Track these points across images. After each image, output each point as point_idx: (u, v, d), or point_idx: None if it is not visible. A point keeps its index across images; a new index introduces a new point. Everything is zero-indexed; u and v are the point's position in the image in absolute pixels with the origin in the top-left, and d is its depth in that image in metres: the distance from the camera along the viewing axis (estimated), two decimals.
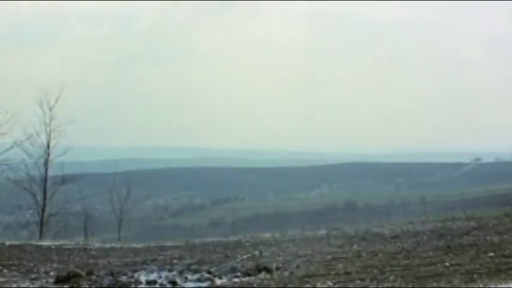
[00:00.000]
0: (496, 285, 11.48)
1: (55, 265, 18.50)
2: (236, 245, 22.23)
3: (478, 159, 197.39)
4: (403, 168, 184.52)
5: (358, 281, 12.96)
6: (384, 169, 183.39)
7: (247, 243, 22.56)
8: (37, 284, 15.32)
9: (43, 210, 34.65)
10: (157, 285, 14.74)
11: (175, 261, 18.49)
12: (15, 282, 15.51)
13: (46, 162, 34.91)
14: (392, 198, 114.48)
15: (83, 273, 15.75)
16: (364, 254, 17.29)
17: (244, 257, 18.40)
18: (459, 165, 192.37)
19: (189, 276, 15.45)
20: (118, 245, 25.26)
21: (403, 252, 17.03)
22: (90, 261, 19.44)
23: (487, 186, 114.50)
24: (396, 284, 12.31)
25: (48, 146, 34.93)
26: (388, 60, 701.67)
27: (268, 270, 15.56)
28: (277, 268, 15.86)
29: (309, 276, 14.01)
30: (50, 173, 35.38)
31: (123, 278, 15.40)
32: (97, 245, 25.30)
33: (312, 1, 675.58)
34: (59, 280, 15.29)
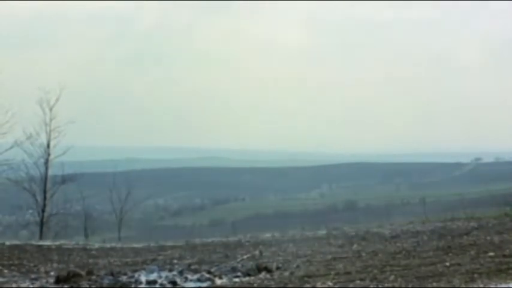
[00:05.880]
0: (497, 285, 11.48)
1: (55, 265, 18.50)
2: (236, 245, 22.22)
3: (478, 159, 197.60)
4: (403, 168, 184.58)
5: (358, 281, 12.95)
6: (384, 169, 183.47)
7: (248, 243, 22.55)
8: (37, 284, 15.32)
9: (43, 210, 34.64)
10: (157, 285, 14.74)
11: (175, 261, 18.49)
12: (15, 282, 15.52)
13: (46, 162, 34.90)
14: (393, 198, 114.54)
15: (83, 273, 15.75)
16: (364, 254, 17.29)
17: (245, 257, 18.39)
18: (459, 165, 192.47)
19: (189, 276, 15.45)
20: (118, 245, 25.27)
21: (403, 252, 17.03)
22: (90, 261, 19.45)
23: (487, 186, 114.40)
24: (396, 284, 12.30)
25: (48, 146, 34.91)
26: (388, 61, 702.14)
27: (268, 270, 15.55)
28: (278, 268, 15.85)
29: (309, 276, 14.01)
30: (50, 172, 35.36)
31: (123, 278, 15.40)
32: (97, 245, 25.31)
33: (311, 1, 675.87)
34: (59, 280, 15.30)
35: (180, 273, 15.92)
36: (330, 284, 12.91)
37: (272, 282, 13.75)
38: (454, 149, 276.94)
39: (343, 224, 31.12)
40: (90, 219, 41.04)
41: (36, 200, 34.85)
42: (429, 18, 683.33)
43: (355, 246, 19.47)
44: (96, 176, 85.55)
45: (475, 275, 12.48)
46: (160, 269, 16.58)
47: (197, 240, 25.46)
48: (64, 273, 15.73)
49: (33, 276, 16.39)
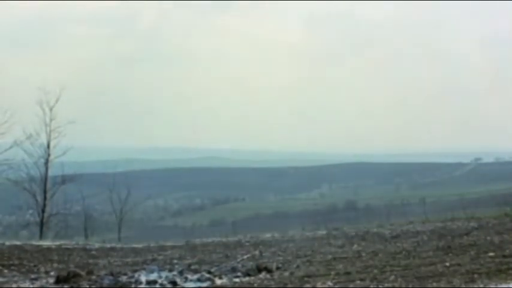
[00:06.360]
0: (496, 285, 11.47)
1: (55, 265, 18.51)
2: (236, 245, 22.24)
3: (478, 159, 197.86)
4: (403, 168, 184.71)
5: (358, 281, 12.95)
6: (384, 169, 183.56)
7: (248, 243, 22.57)
8: (37, 284, 15.31)
9: (43, 210, 34.66)
10: (157, 285, 14.73)
11: (175, 261, 18.49)
12: (16, 282, 15.51)
13: (46, 162, 34.92)
14: (392, 198, 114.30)
15: (83, 273, 15.75)
16: (364, 254, 17.29)
17: (245, 257, 18.40)
18: (459, 165, 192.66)
19: (189, 276, 15.45)
20: (118, 245, 25.28)
21: (403, 252, 17.03)
22: (91, 261, 19.45)
23: (487, 186, 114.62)
24: (396, 284, 12.29)
25: (48, 146, 34.94)
26: (388, 61, 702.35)
27: (268, 270, 15.55)
28: (278, 268, 15.85)
29: (309, 276, 14.01)
30: (50, 173, 35.38)
31: (123, 278, 15.39)
32: (97, 245, 25.31)
33: (311, 1, 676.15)
34: (59, 280, 15.29)
35: (180, 273, 15.92)
36: (330, 284, 12.90)
37: (272, 282, 13.74)
38: (454, 149, 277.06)
39: (343, 224, 31.15)
40: (90, 220, 41.07)
41: (36, 200, 34.87)
42: (429, 18, 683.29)
43: (355, 246, 19.47)
44: (96, 176, 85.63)
45: (475, 275, 12.47)
46: (160, 269, 16.58)
47: (197, 241, 25.48)
48: (64, 273, 15.73)
49: (33, 276, 16.38)
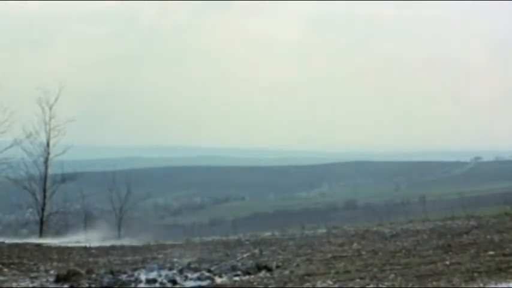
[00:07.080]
0: (496, 284, 11.46)
1: (55, 264, 18.52)
2: (236, 244, 22.27)
3: (478, 158, 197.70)
4: (403, 167, 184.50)
5: (358, 280, 12.94)
6: (383, 168, 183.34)
7: (248, 242, 22.59)
8: (37, 282, 15.31)
9: (43, 209, 34.67)
10: (157, 284, 14.71)
11: (175, 259, 18.49)
12: (16, 280, 15.51)
13: (46, 161, 34.94)
14: (392, 197, 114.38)
15: (83, 272, 15.74)
16: (364, 253, 17.29)
17: (245, 255, 18.40)
18: (459, 164, 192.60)
19: (189, 275, 15.43)
20: (118, 244, 25.30)
21: (403, 251, 17.03)
22: (90, 259, 19.46)
23: (487, 185, 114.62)
24: (396, 283, 12.29)
25: (48, 145, 34.95)
26: (388, 60, 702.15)
27: (268, 268, 15.55)
28: (277, 267, 15.86)
29: (309, 275, 14.00)
30: (50, 171, 35.40)
31: (123, 277, 15.37)
32: (97, 243, 25.32)
33: (312, 1, 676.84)
34: (59, 279, 15.28)
35: (180, 271, 15.90)
36: (330, 282, 12.90)
37: (272, 281, 13.73)
38: (454, 148, 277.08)
39: (343, 223, 31.20)
40: (90, 218, 41.06)
41: (36, 199, 34.87)
42: (430, 17, 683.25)
43: (355, 245, 19.48)
44: (96, 175, 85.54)
45: (475, 274, 12.47)
46: (160, 267, 16.56)
47: (197, 239, 25.51)
48: (64, 272, 15.72)
49: (33, 275, 16.38)
